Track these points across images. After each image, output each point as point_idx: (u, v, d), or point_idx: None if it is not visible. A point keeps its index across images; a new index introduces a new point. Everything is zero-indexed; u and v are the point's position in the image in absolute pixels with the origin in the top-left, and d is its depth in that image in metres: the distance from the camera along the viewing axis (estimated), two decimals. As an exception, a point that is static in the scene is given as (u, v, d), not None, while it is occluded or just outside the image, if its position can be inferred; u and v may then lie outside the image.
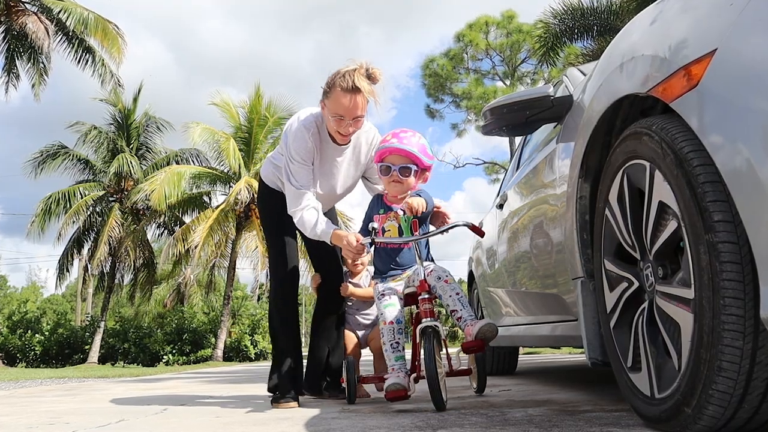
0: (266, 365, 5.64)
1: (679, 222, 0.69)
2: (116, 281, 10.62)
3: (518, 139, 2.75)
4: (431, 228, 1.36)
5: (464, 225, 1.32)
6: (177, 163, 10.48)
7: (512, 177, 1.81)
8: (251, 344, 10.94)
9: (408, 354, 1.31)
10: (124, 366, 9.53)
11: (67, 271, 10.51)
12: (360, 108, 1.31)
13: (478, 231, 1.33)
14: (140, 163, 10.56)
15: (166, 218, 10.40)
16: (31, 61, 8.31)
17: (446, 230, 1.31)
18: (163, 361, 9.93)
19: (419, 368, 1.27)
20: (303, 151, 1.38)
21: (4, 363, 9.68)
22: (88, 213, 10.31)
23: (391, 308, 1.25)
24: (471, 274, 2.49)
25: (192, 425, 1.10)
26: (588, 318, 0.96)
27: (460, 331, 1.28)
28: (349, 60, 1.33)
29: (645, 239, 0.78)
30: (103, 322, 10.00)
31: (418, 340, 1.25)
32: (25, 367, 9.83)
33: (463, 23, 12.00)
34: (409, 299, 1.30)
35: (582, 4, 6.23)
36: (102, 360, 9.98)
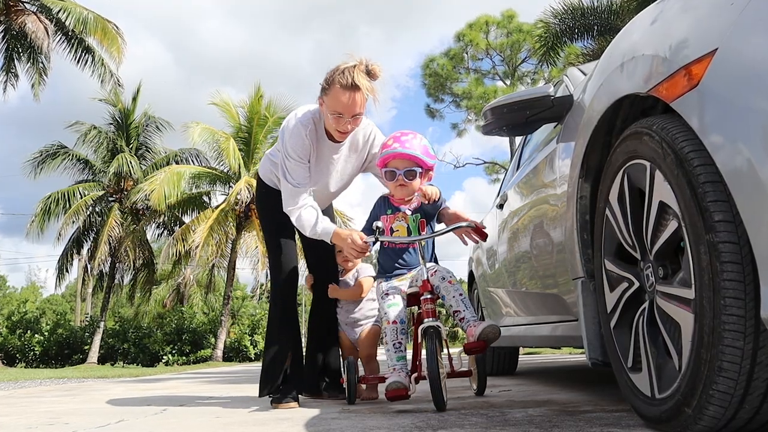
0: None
1: (680, 222, 0.69)
2: (116, 281, 10.61)
3: (518, 139, 2.76)
4: (437, 228, 1.36)
5: (468, 225, 1.32)
6: (177, 163, 10.47)
7: (512, 177, 1.80)
8: (251, 344, 10.94)
9: (408, 354, 1.30)
10: (123, 366, 9.53)
11: (67, 271, 10.51)
12: (359, 105, 1.30)
13: (480, 233, 1.34)
14: (140, 163, 10.55)
15: (166, 218, 10.40)
16: (31, 60, 8.30)
17: (453, 230, 1.31)
18: (163, 361, 9.93)
19: (420, 368, 1.27)
20: (300, 149, 1.37)
21: (3, 363, 9.67)
22: (88, 213, 10.31)
23: (395, 308, 1.25)
24: (471, 274, 2.49)
25: (192, 425, 1.10)
26: (588, 318, 0.96)
27: (461, 331, 1.27)
28: (347, 56, 1.31)
29: (645, 239, 0.78)
30: (102, 323, 10.00)
31: (419, 341, 1.25)
32: (25, 367, 9.82)
33: (463, 23, 12.02)
34: (411, 299, 1.30)
35: (582, 4, 6.23)
36: (101, 360, 9.98)
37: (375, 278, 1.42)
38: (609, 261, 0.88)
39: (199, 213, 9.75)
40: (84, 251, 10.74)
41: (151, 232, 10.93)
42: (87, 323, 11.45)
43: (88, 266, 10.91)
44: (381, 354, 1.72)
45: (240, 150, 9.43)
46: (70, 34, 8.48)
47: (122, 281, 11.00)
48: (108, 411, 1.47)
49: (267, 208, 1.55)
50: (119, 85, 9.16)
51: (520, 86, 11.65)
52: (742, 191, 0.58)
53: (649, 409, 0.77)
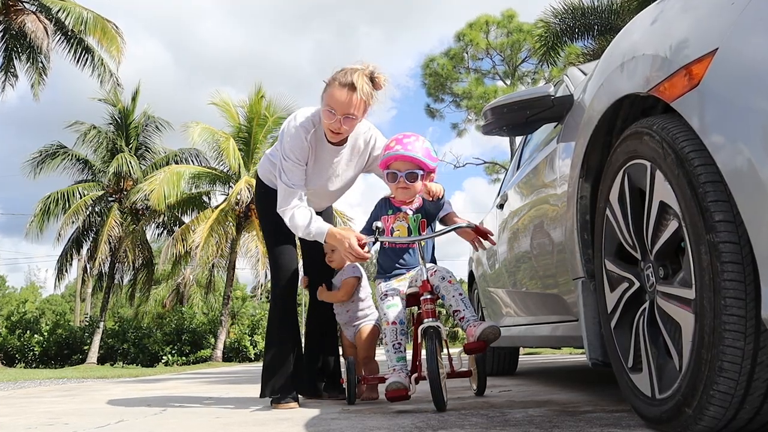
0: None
1: (680, 222, 0.69)
2: (115, 281, 10.60)
3: (518, 139, 2.75)
4: (438, 228, 1.37)
5: (468, 226, 1.32)
6: (176, 162, 10.46)
7: (513, 177, 1.80)
8: (251, 344, 10.94)
9: (408, 354, 1.30)
10: (123, 366, 9.52)
11: (66, 271, 10.50)
12: (352, 106, 1.30)
13: (487, 237, 1.35)
14: (139, 163, 10.54)
15: (166, 218, 10.39)
16: (30, 60, 8.29)
17: (452, 230, 1.32)
18: (163, 361, 9.92)
19: (420, 368, 1.27)
20: (298, 150, 1.38)
21: (2, 364, 9.67)
22: (87, 213, 10.30)
23: (394, 308, 1.25)
24: (471, 274, 2.48)
25: (191, 426, 1.10)
26: (588, 318, 0.96)
27: (461, 331, 1.28)
28: (358, 61, 1.32)
29: (646, 239, 0.78)
30: (102, 323, 9.99)
31: (419, 341, 1.25)
32: (24, 367, 9.81)
33: (464, 23, 12.01)
34: (410, 300, 1.30)
35: (583, 4, 6.22)
36: (101, 360, 9.96)
37: (374, 278, 1.41)
38: (609, 261, 0.88)
39: (198, 213, 9.75)
40: (83, 251, 10.73)
41: (150, 232, 10.94)
42: (86, 323, 11.44)
43: (88, 266, 10.91)
44: (381, 354, 1.71)
45: (240, 150, 9.43)
46: (69, 33, 8.48)
47: (122, 281, 10.99)
48: (107, 411, 1.47)
49: (266, 208, 1.55)
50: (119, 85, 9.16)
51: (520, 86, 11.65)
52: (742, 191, 0.58)
53: (649, 409, 0.77)
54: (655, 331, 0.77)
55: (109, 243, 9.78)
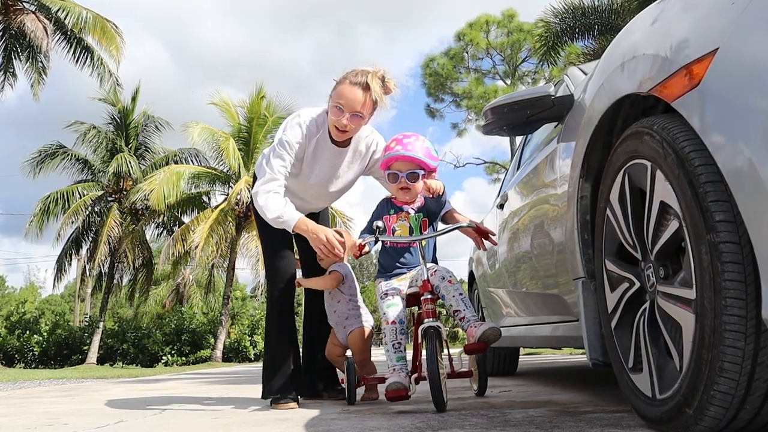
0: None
1: (681, 222, 0.69)
2: (115, 281, 10.59)
3: (519, 139, 2.76)
4: (440, 227, 1.37)
5: (469, 225, 1.33)
6: (176, 162, 10.45)
7: (513, 177, 1.80)
8: (251, 345, 10.92)
9: (408, 354, 1.30)
10: (123, 367, 9.51)
11: (66, 271, 10.48)
12: (362, 105, 1.30)
13: (488, 237, 1.35)
14: (139, 163, 10.53)
15: (165, 218, 10.38)
16: (30, 60, 8.28)
17: (453, 229, 1.32)
18: (162, 361, 9.91)
19: (420, 369, 1.27)
20: (292, 143, 1.38)
21: (2, 364, 9.66)
22: (87, 213, 10.28)
23: (394, 308, 1.25)
24: (471, 275, 2.48)
25: (191, 426, 1.10)
26: (589, 318, 0.96)
27: (461, 331, 1.28)
28: (369, 64, 1.34)
29: (646, 239, 0.78)
30: (101, 323, 9.97)
31: (419, 341, 1.25)
32: (24, 367, 9.80)
33: (464, 23, 12.01)
34: (410, 299, 1.30)
35: (583, 3, 6.22)
36: (101, 361, 9.95)
37: (375, 278, 1.41)
38: (610, 261, 0.88)
39: (198, 213, 9.74)
40: (83, 251, 10.71)
41: (150, 232, 10.92)
42: (86, 324, 11.42)
43: (87, 266, 10.88)
44: (380, 355, 1.70)
45: (240, 150, 9.42)
46: (69, 33, 8.47)
47: (121, 281, 10.98)
48: (107, 411, 1.47)
49: None
50: (118, 85, 9.15)
51: (520, 86, 11.65)
52: (743, 191, 0.58)
53: (649, 409, 0.77)
54: (655, 332, 0.77)
55: (109, 243, 9.77)
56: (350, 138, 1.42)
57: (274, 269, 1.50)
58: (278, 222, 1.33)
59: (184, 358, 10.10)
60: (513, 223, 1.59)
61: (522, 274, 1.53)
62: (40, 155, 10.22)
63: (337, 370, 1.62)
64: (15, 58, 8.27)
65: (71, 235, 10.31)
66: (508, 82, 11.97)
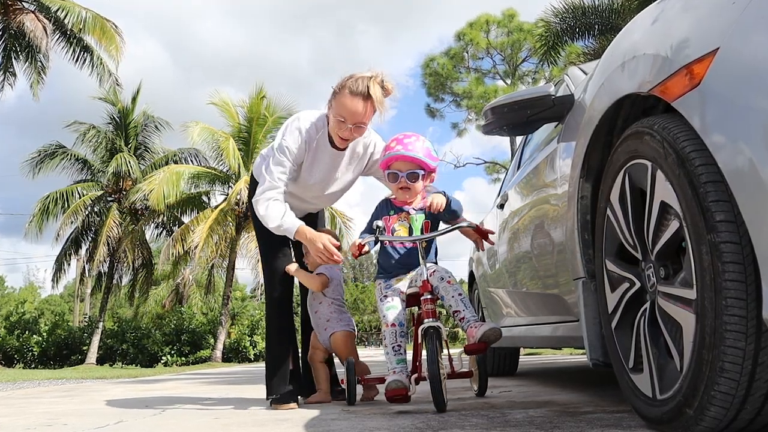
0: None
1: (681, 222, 0.69)
2: (114, 282, 10.58)
3: (519, 139, 2.76)
4: (440, 227, 1.36)
5: (469, 225, 1.33)
6: (175, 162, 10.44)
7: (513, 177, 1.80)
8: (250, 345, 10.92)
9: (408, 355, 1.30)
10: (122, 367, 9.50)
11: (65, 271, 10.47)
12: (364, 115, 1.31)
13: (486, 238, 1.35)
14: (138, 163, 10.52)
15: (165, 218, 10.37)
16: (29, 60, 8.27)
17: (452, 230, 1.32)
18: (162, 362, 9.90)
19: (420, 369, 1.27)
20: (292, 149, 1.38)
21: (1, 364, 9.65)
22: (86, 213, 10.27)
23: (393, 310, 1.25)
24: (471, 275, 2.48)
25: (190, 426, 1.10)
26: (589, 318, 0.95)
27: (461, 331, 1.28)
28: (366, 68, 1.34)
29: (647, 239, 0.78)
30: (101, 323, 9.97)
31: (419, 341, 1.25)
32: (23, 368, 9.79)
33: (464, 22, 12.00)
34: (410, 300, 1.30)
35: (583, 3, 6.21)
36: (100, 361, 9.94)
37: (374, 279, 1.41)
38: (610, 261, 0.88)
39: (198, 213, 9.73)
40: (82, 251, 10.71)
41: (150, 232, 10.91)
42: (86, 324, 11.42)
43: (87, 266, 10.87)
44: (378, 356, 1.69)
45: (239, 150, 9.41)
46: (68, 33, 8.46)
47: (120, 282, 10.97)
48: (107, 412, 1.46)
49: None
50: (118, 85, 9.14)
51: (520, 85, 11.65)
52: (743, 191, 0.58)
53: (650, 409, 0.77)
54: (655, 332, 0.77)
55: (108, 243, 9.76)
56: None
57: (273, 269, 1.50)
58: (279, 230, 1.36)
59: (183, 359, 10.09)
60: (513, 223, 1.59)
61: (522, 274, 1.53)
62: (39, 155, 10.20)
63: (337, 370, 1.62)
64: (14, 57, 8.26)
65: (71, 235, 10.30)
66: (509, 81, 11.97)
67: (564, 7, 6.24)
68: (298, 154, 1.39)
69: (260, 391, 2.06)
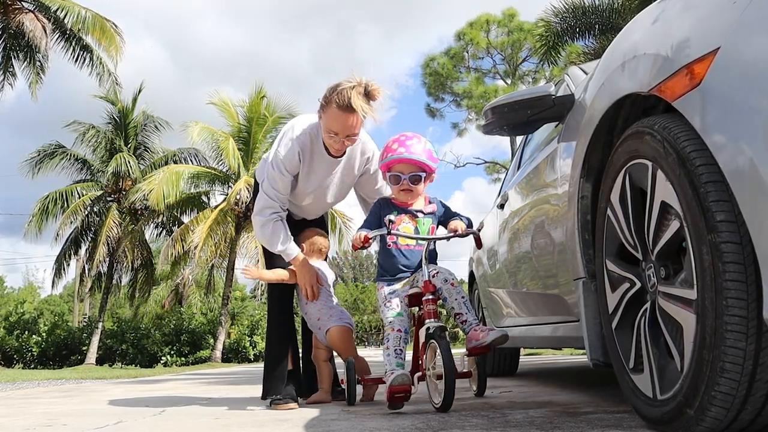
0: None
1: (682, 222, 0.69)
2: (114, 282, 10.57)
3: (519, 139, 2.75)
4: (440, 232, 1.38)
5: (470, 234, 1.34)
6: (175, 162, 10.44)
7: (513, 177, 1.80)
8: (250, 345, 10.91)
9: (408, 356, 1.30)
10: (122, 367, 9.50)
11: (65, 271, 10.46)
12: (354, 126, 1.32)
13: (478, 241, 1.38)
14: (138, 163, 10.52)
15: (165, 218, 10.36)
16: (28, 59, 8.26)
17: (455, 236, 1.33)
18: (162, 362, 9.89)
19: (422, 368, 1.27)
20: (288, 163, 1.41)
21: (1, 364, 9.64)
22: (86, 213, 10.26)
23: (399, 317, 1.26)
24: (472, 275, 2.48)
25: (190, 427, 1.10)
26: (589, 319, 0.95)
27: (461, 332, 1.29)
28: (350, 75, 1.33)
29: (647, 239, 0.78)
30: (100, 323, 9.96)
31: (423, 341, 1.25)
32: (22, 368, 9.78)
33: (463, 22, 12.02)
34: (412, 300, 1.31)
35: (583, 3, 6.22)
36: (100, 361, 9.93)
37: (375, 280, 1.41)
38: (610, 261, 0.88)
39: (198, 213, 9.73)
40: (82, 251, 10.70)
41: (149, 233, 10.90)
42: (85, 324, 11.41)
43: (86, 267, 10.86)
44: (377, 356, 1.69)
45: (239, 150, 9.41)
46: (68, 32, 8.45)
47: (120, 282, 10.96)
48: (106, 412, 1.46)
49: None
50: (117, 84, 9.13)
51: (521, 85, 11.65)
52: (744, 191, 0.58)
53: (650, 410, 0.77)
54: (656, 332, 0.77)
55: (108, 243, 9.75)
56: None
57: (274, 268, 1.52)
58: (277, 251, 1.44)
59: (183, 359, 10.08)
60: (513, 223, 1.59)
61: (522, 274, 1.53)
62: (39, 155, 10.19)
63: (337, 369, 1.62)
64: (14, 57, 8.26)
65: (70, 235, 10.29)
66: (509, 81, 11.97)
67: (564, 7, 6.25)
68: (294, 165, 1.41)
69: (260, 391, 2.06)
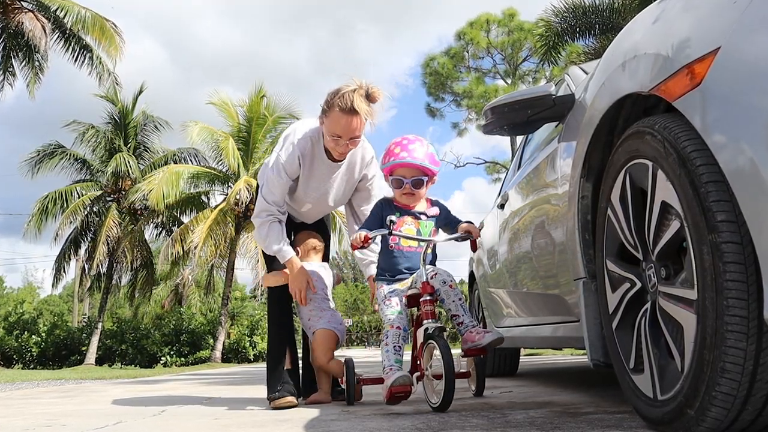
0: (265, 367, 5.61)
1: (682, 222, 0.68)
2: (113, 282, 10.56)
3: (519, 139, 2.75)
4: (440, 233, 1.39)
5: (467, 239, 1.35)
6: (175, 162, 10.43)
7: (513, 177, 1.80)
8: (250, 345, 10.91)
9: (407, 356, 1.30)
10: (121, 367, 9.48)
11: (64, 271, 10.46)
12: (357, 128, 1.34)
13: (473, 245, 1.41)
14: (138, 163, 10.51)
15: (164, 218, 10.36)
16: (27, 59, 8.26)
17: (455, 239, 1.34)
18: (161, 362, 9.88)
19: (422, 368, 1.27)
20: (289, 167, 1.42)
21: (0, 364, 9.63)
22: (86, 213, 10.26)
23: (398, 315, 1.27)
24: (472, 275, 2.48)
25: (190, 427, 1.10)
26: (590, 319, 0.95)
27: (459, 334, 1.29)
28: (349, 79, 1.35)
29: (647, 239, 0.78)
30: (100, 323, 9.95)
31: (421, 341, 1.26)
32: (22, 368, 9.77)
33: (463, 22, 12.02)
34: (410, 301, 1.31)
35: (584, 3, 6.22)
36: (99, 361, 9.91)
37: (375, 280, 1.41)
38: (611, 261, 0.88)
39: (197, 213, 9.72)
40: (81, 251, 10.69)
41: (149, 233, 10.89)
42: (85, 324, 11.40)
43: (86, 267, 10.86)
44: (375, 356, 1.68)
45: (239, 149, 9.40)
46: (67, 32, 8.44)
47: (120, 282, 10.96)
48: (106, 412, 1.46)
49: None
50: (117, 84, 9.13)
51: (521, 85, 11.65)
52: (744, 191, 0.58)
53: (651, 410, 0.77)
54: (656, 332, 0.77)
55: (108, 243, 9.74)
56: None
57: (274, 268, 1.53)
58: (272, 252, 1.45)
59: (183, 359, 10.07)
60: (514, 223, 1.59)
61: (523, 275, 1.53)
62: (38, 155, 10.18)
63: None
64: (13, 57, 8.25)
65: (70, 235, 10.28)
66: (509, 81, 11.97)
67: (564, 7, 6.25)
68: (294, 169, 1.43)
69: (260, 391, 2.06)
